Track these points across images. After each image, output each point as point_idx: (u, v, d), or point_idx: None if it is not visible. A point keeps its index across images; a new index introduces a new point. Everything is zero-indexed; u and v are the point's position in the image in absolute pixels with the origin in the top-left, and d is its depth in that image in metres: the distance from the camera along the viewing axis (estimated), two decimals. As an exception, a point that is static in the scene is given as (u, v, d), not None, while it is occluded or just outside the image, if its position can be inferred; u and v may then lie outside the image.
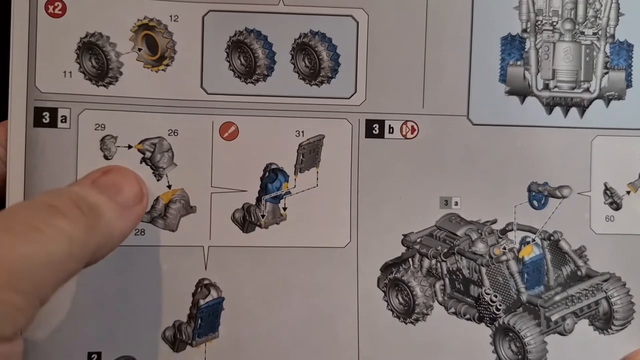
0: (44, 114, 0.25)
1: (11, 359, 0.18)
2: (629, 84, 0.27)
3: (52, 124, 0.25)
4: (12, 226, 0.18)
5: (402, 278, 0.27)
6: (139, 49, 0.25)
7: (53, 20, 0.25)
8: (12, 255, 0.18)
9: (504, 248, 0.27)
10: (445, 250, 0.27)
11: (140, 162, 0.25)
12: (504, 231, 0.27)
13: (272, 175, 0.26)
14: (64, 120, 0.25)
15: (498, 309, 0.27)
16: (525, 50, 0.27)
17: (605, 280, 0.27)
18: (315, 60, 0.26)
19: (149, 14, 0.25)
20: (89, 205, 0.20)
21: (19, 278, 0.18)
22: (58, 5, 0.25)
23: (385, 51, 0.26)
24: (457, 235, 0.27)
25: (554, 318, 0.27)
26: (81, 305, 0.25)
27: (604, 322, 0.27)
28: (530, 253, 0.27)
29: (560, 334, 0.27)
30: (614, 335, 0.27)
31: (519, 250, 0.27)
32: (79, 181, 0.23)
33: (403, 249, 0.27)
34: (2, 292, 0.17)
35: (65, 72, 0.25)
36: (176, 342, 0.26)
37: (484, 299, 0.27)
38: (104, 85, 0.25)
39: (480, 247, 0.27)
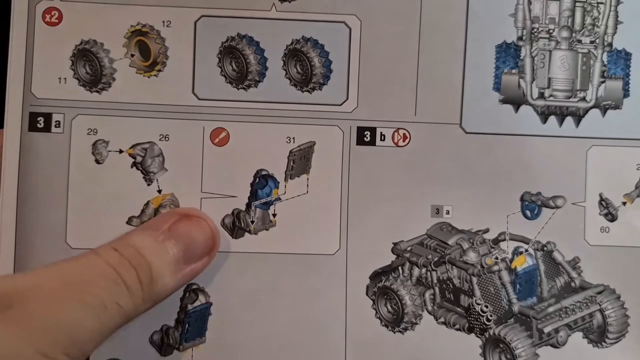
0: (39, 119, 0.27)
1: None
2: (626, 94, 0.29)
3: (46, 128, 0.27)
4: (83, 297, 0.21)
5: (392, 286, 0.29)
6: (132, 55, 0.28)
7: (50, 28, 0.27)
8: (77, 325, 0.20)
9: (496, 258, 0.29)
10: (436, 259, 0.29)
11: (131, 167, 0.28)
12: (496, 241, 0.29)
13: (262, 181, 0.28)
14: (57, 125, 0.27)
15: (489, 320, 0.29)
16: (521, 58, 0.29)
17: (599, 293, 0.29)
18: (307, 66, 0.28)
19: (142, 20, 0.28)
20: (150, 276, 0.23)
21: (74, 345, 0.20)
22: (55, 14, 0.27)
23: (378, 58, 0.28)
24: (448, 244, 0.29)
25: (546, 330, 0.29)
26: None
27: (598, 335, 0.29)
28: (523, 263, 0.29)
29: (553, 346, 0.29)
30: (607, 348, 0.29)
31: (512, 260, 0.29)
32: (144, 227, 0.25)
33: (393, 257, 0.29)
34: (55, 352, 0.20)
35: (60, 78, 0.27)
36: (163, 346, 0.28)
37: (475, 309, 0.29)
38: (97, 91, 0.28)
39: (471, 257, 0.29)
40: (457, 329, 0.29)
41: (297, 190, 0.28)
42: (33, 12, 0.27)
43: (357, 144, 0.28)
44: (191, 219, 0.25)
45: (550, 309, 0.29)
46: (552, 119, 0.29)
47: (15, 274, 0.22)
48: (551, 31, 0.29)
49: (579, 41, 0.29)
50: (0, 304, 0.19)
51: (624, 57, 0.29)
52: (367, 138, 0.28)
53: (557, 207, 0.29)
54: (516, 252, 0.29)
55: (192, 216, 0.26)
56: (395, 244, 0.29)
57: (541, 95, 0.29)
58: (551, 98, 0.29)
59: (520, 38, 0.29)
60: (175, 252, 0.24)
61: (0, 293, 0.20)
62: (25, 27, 0.27)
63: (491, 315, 0.28)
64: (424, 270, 0.29)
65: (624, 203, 0.29)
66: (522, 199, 0.29)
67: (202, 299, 0.28)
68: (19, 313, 0.20)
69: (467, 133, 0.28)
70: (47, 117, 0.27)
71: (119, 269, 0.22)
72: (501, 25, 0.28)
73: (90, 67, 0.27)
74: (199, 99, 0.28)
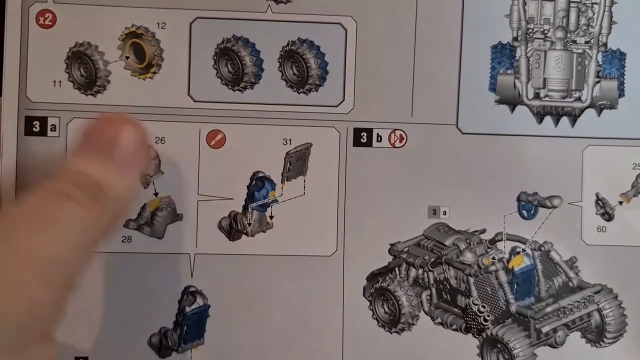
0: (34, 123, 0.28)
1: None
2: (621, 93, 0.30)
3: (42, 132, 0.28)
4: (28, 219, 0.20)
5: (388, 287, 0.30)
6: (127, 57, 0.29)
7: (43, 31, 0.28)
8: (34, 250, 0.20)
9: (493, 258, 0.30)
10: (433, 259, 0.30)
11: (128, 170, 0.29)
12: (493, 241, 0.30)
13: (259, 183, 0.30)
14: (53, 129, 0.28)
15: (486, 320, 0.30)
16: (516, 58, 0.30)
17: (597, 292, 0.30)
18: (303, 68, 0.30)
19: (137, 22, 0.29)
20: (91, 182, 0.22)
21: (45, 271, 0.19)
22: (48, 16, 0.28)
23: (374, 59, 0.30)
24: (445, 245, 0.30)
25: (544, 330, 0.30)
26: (69, 311, 0.29)
27: (596, 334, 0.31)
28: (520, 263, 0.31)
29: (551, 346, 0.30)
30: (606, 348, 0.30)
31: (509, 260, 0.31)
32: (74, 152, 0.24)
33: (390, 258, 0.30)
34: (31, 288, 0.19)
35: (55, 81, 0.28)
36: (162, 348, 0.29)
37: (472, 309, 0.30)
38: (92, 94, 0.29)
39: (468, 257, 0.30)
40: (454, 330, 0.30)
41: (294, 192, 0.30)
42: (26, 15, 0.28)
43: (354, 145, 0.30)
44: (98, 124, 0.24)
45: (548, 309, 0.30)
46: (548, 119, 0.30)
47: None
48: (546, 32, 0.30)
49: (574, 41, 0.30)
50: None
51: (619, 57, 0.30)
52: (363, 139, 0.30)
53: (553, 207, 0.30)
54: (513, 252, 0.30)
55: (98, 122, 0.24)
56: (392, 245, 0.30)
57: (537, 96, 0.30)
58: (547, 98, 0.30)
59: (515, 39, 0.30)
60: (104, 153, 0.23)
61: None
62: (19, 30, 0.28)
63: (488, 316, 0.30)
64: (420, 271, 0.30)
65: (621, 202, 0.30)
66: (518, 199, 0.30)
67: (200, 301, 0.29)
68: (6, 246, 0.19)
69: (463, 133, 0.30)
70: (43, 120, 0.28)
71: (57, 187, 0.22)
72: (496, 26, 0.30)
73: (85, 69, 0.29)
74: (194, 101, 0.29)
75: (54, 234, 0.20)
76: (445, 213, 0.30)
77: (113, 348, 0.29)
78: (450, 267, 0.30)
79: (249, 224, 0.29)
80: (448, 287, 0.30)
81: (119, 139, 0.24)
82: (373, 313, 0.30)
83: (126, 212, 0.24)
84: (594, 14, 0.30)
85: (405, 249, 0.30)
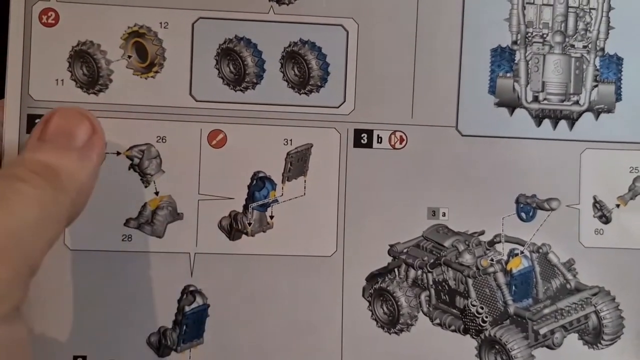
0: (37, 121, 0.29)
1: (16, 345, 0.20)
2: (618, 97, 0.31)
3: (44, 130, 0.29)
4: None
5: (388, 288, 0.30)
6: (129, 56, 0.29)
7: (46, 29, 0.29)
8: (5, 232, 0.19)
9: (492, 260, 0.31)
10: (432, 261, 0.31)
11: (129, 169, 0.29)
12: (491, 243, 0.31)
13: (259, 183, 0.30)
14: (55, 127, 0.29)
15: (484, 321, 0.30)
16: (515, 62, 0.31)
17: (595, 294, 0.31)
18: (304, 69, 0.30)
19: (139, 21, 0.29)
20: (45, 167, 0.22)
21: (1, 249, 0.19)
22: (51, 15, 0.29)
23: (375, 61, 0.30)
24: (444, 246, 0.31)
25: (542, 331, 0.30)
26: (67, 309, 0.29)
27: (594, 336, 0.31)
28: (518, 265, 0.31)
29: (549, 347, 0.31)
30: (603, 350, 0.31)
31: (507, 262, 0.31)
32: (26, 145, 0.24)
33: (389, 259, 0.30)
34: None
35: (57, 80, 0.29)
36: (161, 348, 0.29)
37: (470, 310, 0.30)
38: (94, 93, 0.29)
39: (467, 259, 0.31)
40: (452, 330, 0.30)
41: (295, 192, 0.30)
42: (30, 14, 0.29)
43: (354, 146, 0.30)
44: (52, 117, 0.25)
45: (546, 311, 0.30)
46: (547, 122, 0.31)
47: None
48: (545, 36, 0.31)
49: (572, 46, 0.31)
50: None
51: (616, 62, 0.31)
52: (364, 140, 0.30)
53: (551, 209, 0.31)
54: (512, 254, 0.31)
55: (52, 116, 0.25)
56: (391, 245, 0.30)
57: (535, 99, 0.31)
58: (545, 101, 0.31)
59: (514, 42, 0.30)
60: (60, 144, 0.24)
61: None
62: (22, 29, 0.28)
63: (487, 317, 0.30)
64: (419, 272, 0.31)
65: (618, 205, 0.31)
66: (517, 201, 0.31)
67: (199, 300, 0.29)
68: None
69: (463, 136, 0.30)
70: (45, 118, 0.29)
71: (6, 172, 0.22)
72: (496, 29, 0.30)
73: (88, 68, 0.29)
74: (196, 101, 0.30)
75: (7, 211, 0.20)
76: (444, 214, 0.30)
77: (112, 347, 0.29)
78: (449, 269, 0.30)
79: (249, 224, 0.30)
80: (447, 288, 0.31)
81: (75, 131, 0.24)
82: (372, 313, 0.30)
83: (87, 199, 0.24)
84: (591, 19, 0.30)
85: (405, 250, 0.30)
